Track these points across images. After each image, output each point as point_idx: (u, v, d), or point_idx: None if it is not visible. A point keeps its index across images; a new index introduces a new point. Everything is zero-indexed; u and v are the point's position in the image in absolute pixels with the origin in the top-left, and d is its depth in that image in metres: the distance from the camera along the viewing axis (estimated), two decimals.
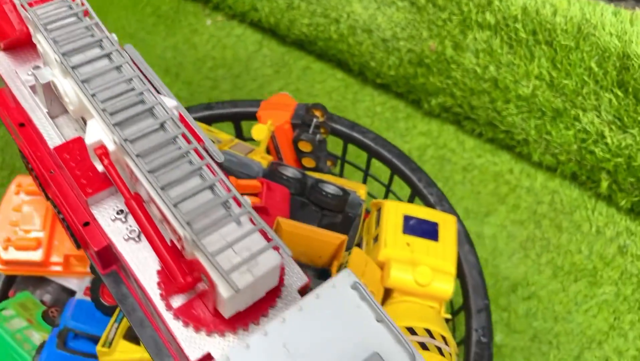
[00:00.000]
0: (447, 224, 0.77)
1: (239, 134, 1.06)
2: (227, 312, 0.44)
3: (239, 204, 0.45)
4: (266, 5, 1.49)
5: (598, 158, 1.20)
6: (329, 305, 0.43)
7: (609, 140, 1.17)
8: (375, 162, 1.04)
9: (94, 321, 0.60)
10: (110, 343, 0.55)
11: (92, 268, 0.59)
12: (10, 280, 0.78)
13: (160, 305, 0.47)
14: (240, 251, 0.43)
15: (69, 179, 0.52)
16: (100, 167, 0.50)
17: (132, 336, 0.59)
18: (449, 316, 0.78)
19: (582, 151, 1.21)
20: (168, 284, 0.46)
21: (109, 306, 0.62)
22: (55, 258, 0.72)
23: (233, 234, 0.44)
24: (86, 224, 0.52)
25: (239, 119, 1.02)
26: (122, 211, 0.52)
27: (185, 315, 0.45)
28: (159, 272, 0.48)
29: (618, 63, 1.12)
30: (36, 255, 0.71)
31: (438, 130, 1.39)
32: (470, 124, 1.35)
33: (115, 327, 0.57)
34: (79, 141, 0.53)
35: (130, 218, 0.51)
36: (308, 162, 0.89)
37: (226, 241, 0.43)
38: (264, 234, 0.45)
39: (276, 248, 0.44)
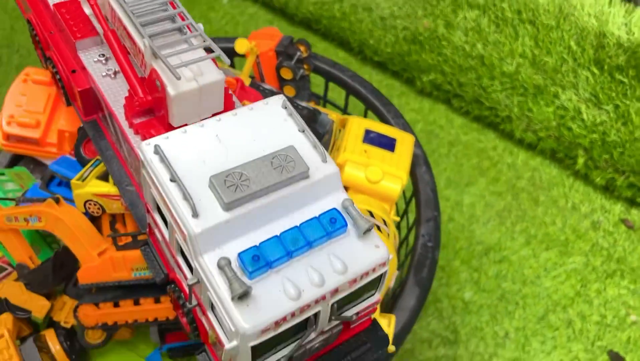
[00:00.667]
0: (404, 141, 0.83)
1: None
2: (175, 119, 0.52)
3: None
4: None
5: (575, 134, 1.26)
6: (260, 115, 0.51)
7: (585, 116, 1.23)
8: (356, 105, 1.12)
9: (75, 171, 0.68)
10: (84, 179, 0.63)
11: (79, 130, 0.67)
12: (14, 161, 0.86)
13: (124, 123, 0.55)
14: (190, 68, 0.51)
15: (64, 33, 0.61)
16: (88, 11, 0.59)
17: (103, 178, 0.67)
18: (397, 218, 0.84)
19: (561, 128, 1.28)
20: (132, 105, 0.54)
21: (88, 159, 0.70)
22: (51, 140, 0.81)
23: (188, 56, 0.52)
24: (74, 71, 0.60)
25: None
26: (103, 55, 0.60)
27: (143, 129, 0.53)
28: (126, 98, 0.56)
29: (595, 42, 1.19)
30: (35, 133, 0.80)
31: (429, 108, 1.47)
32: (459, 102, 1.42)
33: (90, 170, 0.65)
34: (75, 1, 0.62)
35: (110, 61, 0.60)
36: (289, 90, 0.97)
37: (180, 60, 0.51)
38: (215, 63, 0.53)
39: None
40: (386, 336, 0.53)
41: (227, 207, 0.44)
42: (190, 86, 0.50)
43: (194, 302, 0.47)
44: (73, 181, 0.63)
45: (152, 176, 0.46)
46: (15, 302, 0.66)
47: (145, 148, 0.47)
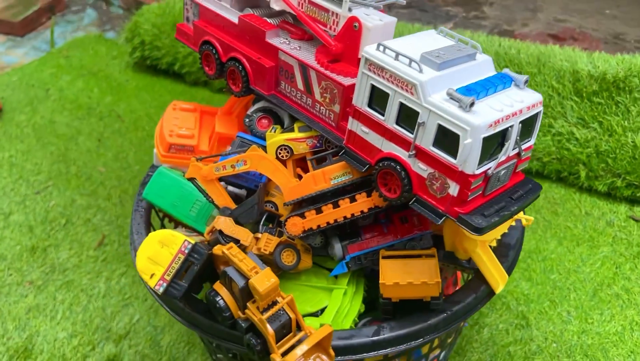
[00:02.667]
0: None
1: None
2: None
3: None
4: None
5: (573, 152, 1.54)
6: (423, 36, 0.74)
7: (578, 136, 1.53)
8: None
9: (254, 139, 0.86)
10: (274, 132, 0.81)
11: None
12: None
13: (319, 68, 0.77)
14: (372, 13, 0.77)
15: (252, 31, 0.83)
16: (277, 7, 0.83)
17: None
18: None
19: (561, 150, 1.56)
20: (326, 52, 0.76)
21: (262, 131, 0.88)
22: (203, 148, 1.00)
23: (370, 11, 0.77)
24: (259, 58, 0.83)
25: None
26: (286, 39, 0.84)
27: (336, 69, 0.75)
28: (318, 50, 0.77)
29: (571, 78, 1.53)
30: (192, 141, 0.98)
31: None
32: None
33: (274, 129, 0.84)
34: (252, 15, 0.87)
35: (291, 43, 0.83)
36: None
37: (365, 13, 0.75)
38: None
39: None
40: (539, 185, 0.72)
41: (439, 67, 0.65)
42: (378, 22, 0.74)
43: (413, 151, 0.66)
44: (268, 133, 0.82)
45: (378, 63, 0.67)
46: (227, 232, 0.79)
47: (369, 48, 0.69)
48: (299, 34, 0.84)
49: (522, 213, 0.85)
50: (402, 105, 0.67)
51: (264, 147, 0.83)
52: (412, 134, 0.66)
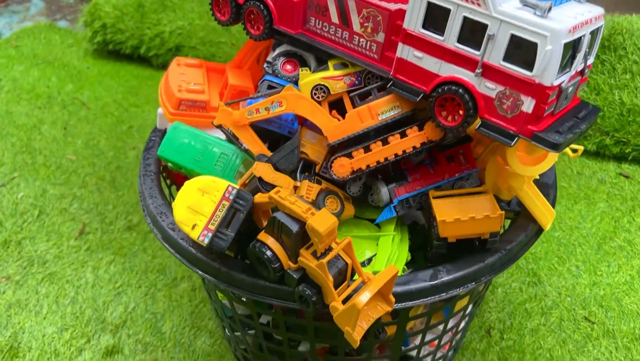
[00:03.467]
0: None
1: None
2: None
3: None
4: None
5: None
6: None
7: None
8: None
9: (280, 82, 0.79)
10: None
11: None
12: None
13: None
14: None
15: None
16: None
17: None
18: None
19: None
20: None
21: (288, 75, 0.81)
22: (214, 105, 0.92)
23: None
24: None
25: None
26: None
27: None
28: None
29: None
30: (204, 96, 0.90)
31: None
32: None
33: (305, 69, 0.77)
34: None
35: None
36: None
37: None
38: None
39: None
40: (597, 107, 0.70)
41: None
42: None
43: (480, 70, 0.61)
44: (302, 73, 0.76)
45: None
46: (268, 180, 0.72)
47: None
48: None
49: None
50: (465, 20, 0.62)
51: None
52: (478, 51, 0.62)
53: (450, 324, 0.91)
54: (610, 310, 1.18)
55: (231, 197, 0.67)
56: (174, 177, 0.99)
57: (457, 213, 0.71)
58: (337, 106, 0.78)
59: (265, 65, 0.84)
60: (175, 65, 0.95)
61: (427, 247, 0.84)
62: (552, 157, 0.78)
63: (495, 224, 0.71)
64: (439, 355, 0.99)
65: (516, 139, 0.63)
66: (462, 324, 0.97)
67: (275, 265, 0.68)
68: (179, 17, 1.88)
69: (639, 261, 1.28)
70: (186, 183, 0.69)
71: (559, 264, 1.29)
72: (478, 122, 0.66)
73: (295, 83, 0.79)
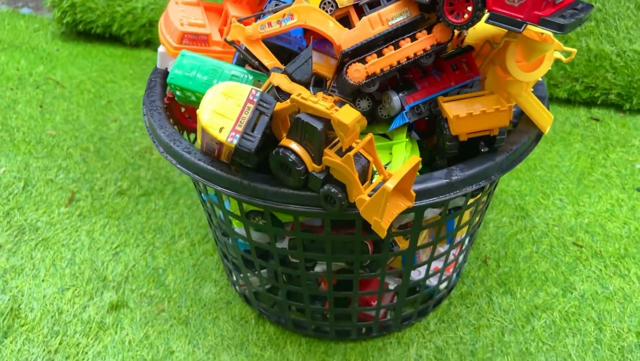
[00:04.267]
0: None
1: None
2: None
3: None
4: None
5: None
6: None
7: None
8: None
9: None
10: None
11: None
12: None
13: None
14: None
15: None
16: None
17: None
18: None
19: None
20: None
21: None
22: (216, 39, 0.93)
23: None
24: None
25: None
26: None
27: None
28: None
29: None
30: (206, 30, 0.91)
31: None
32: None
33: None
34: None
35: None
36: None
37: None
38: None
39: None
40: (589, 4, 0.74)
41: None
42: None
43: None
44: None
45: None
46: (285, 89, 0.74)
47: None
48: None
49: (562, 46, 0.88)
50: None
51: None
52: None
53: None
54: (596, 234, 1.25)
55: (255, 99, 0.69)
56: (177, 116, 0.99)
57: (468, 109, 0.74)
58: (343, 24, 0.81)
59: None
60: (174, 3, 0.96)
61: (434, 161, 0.87)
62: (548, 62, 0.83)
63: (505, 118, 0.75)
64: (444, 276, 1.03)
65: (524, 25, 0.67)
66: (466, 242, 1.01)
67: (299, 168, 0.70)
68: None
69: (617, 192, 1.35)
70: (210, 88, 0.70)
71: (544, 198, 1.35)
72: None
73: None
